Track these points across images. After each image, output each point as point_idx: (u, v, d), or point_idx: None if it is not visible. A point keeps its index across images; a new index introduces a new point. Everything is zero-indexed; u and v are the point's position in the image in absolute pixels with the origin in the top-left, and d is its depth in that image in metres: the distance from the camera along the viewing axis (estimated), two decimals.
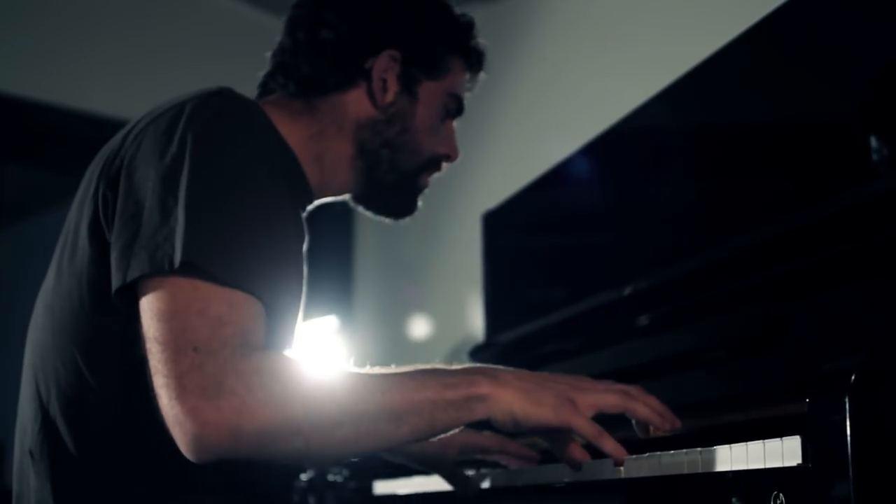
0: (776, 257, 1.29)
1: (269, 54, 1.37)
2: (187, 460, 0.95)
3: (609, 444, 1.03)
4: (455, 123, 1.43)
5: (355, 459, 1.61)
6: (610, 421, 1.05)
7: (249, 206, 1.03)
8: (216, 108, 1.08)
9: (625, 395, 1.06)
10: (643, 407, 1.05)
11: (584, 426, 1.02)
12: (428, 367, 1.07)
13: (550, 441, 1.07)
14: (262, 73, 1.37)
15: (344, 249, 3.54)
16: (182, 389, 0.92)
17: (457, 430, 1.04)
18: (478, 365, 1.09)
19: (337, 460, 1.50)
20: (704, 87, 1.58)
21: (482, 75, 1.44)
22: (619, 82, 2.35)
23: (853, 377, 0.83)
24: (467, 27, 1.40)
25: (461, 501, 1.48)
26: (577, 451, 1.05)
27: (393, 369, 1.06)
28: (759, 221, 1.39)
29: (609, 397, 1.05)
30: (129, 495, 1.08)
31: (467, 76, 1.41)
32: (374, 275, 3.52)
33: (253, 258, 1.00)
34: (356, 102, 1.32)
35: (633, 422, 1.06)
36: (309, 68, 1.32)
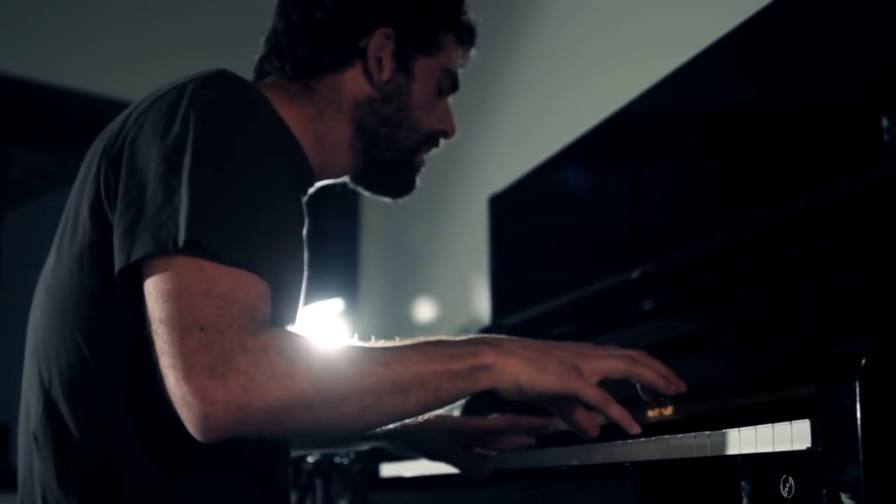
0: (786, 240, 1.28)
1: (262, 39, 1.37)
2: (191, 442, 0.95)
3: (615, 410, 1.03)
4: (451, 100, 1.43)
5: (365, 447, 1.61)
6: (620, 401, 1.05)
7: (252, 185, 1.03)
8: (217, 88, 1.08)
9: (629, 359, 1.06)
10: (648, 371, 1.05)
11: (590, 392, 1.03)
12: (432, 338, 1.07)
13: (556, 408, 1.07)
14: (256, 58, 1.37)
15: (350, 232, 3.54)
16: (190, 369, 0.92)
17: (462, 400, 1.05)
18: (482, 335, 1.09)
19: (346, 435, 1.50)
20: (715, 69, 1.57)
21: (474, 51, 1.44)
22: (627, 65, 2.34)
23: (864, 361, 0.83)
24: (458, 2, 1.40)
25: (466, 483, 1.48)
26: (583, 417, 1.05)
27: (398, 342, 1.06)
28: (767, 204, 1.38)
29: (614, 363, 1.05)
30: (133, 477, 1.08)
31: (460, 52, 1.41)
32: (379, 258, 3.52)
33: (257, 237, 1.00)
34: (353, 82, 1.32)
35: (639, 386, 1.07)
36: (304, 50, 1.32)
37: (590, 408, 1.05)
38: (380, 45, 1.32)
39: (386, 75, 1.33)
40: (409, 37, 1.33)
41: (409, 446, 1.47)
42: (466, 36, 1.41)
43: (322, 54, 1.32)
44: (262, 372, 0.93)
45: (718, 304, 1.32)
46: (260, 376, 0.93)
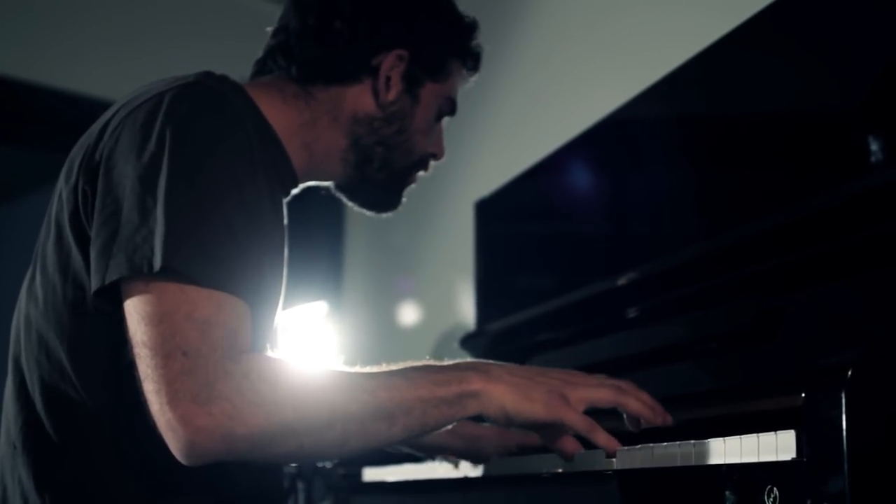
0: (772, 250, 1.29)
1: (269, 29, 1.34)
2: (171, 459, 0.94)
3: (602, 438, 1.02)
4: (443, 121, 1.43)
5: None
6: (602, 412, 1.05)
7: (229, 204, 1.01)
8: (193, 101, 1.06)
9: (616, 389, 1.05)
10: (635, 401, 1.05)
11: (576, 420, 1.02)
12: (419, 363, 1.06)
13: (543, 435, 1.07)
14: (261, 51, 1.34)
15: (334, 235, 3.53)
16: (173, 395, 0.91)
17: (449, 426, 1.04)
18: (469, 360, 1.08)
19: (332, 459, 1.49)
20: (700, 78, 1.57)
21: (474, 77, 1.43)
22: (613, 72, 2.34)
23: (849, 372, 0.83)
24: (470, 29, 1.39)
25: (449, 488, 1.48)
26: (569, 444, 1.05)
27: (384, 367, 1.05)
28: (754, 214, 1.38)
29: (600, 392, 1.05)
30: (112, 490, 1.07)
31: (463, 75, 1.41)
32: (364, 261, 3.52)
33: (235, 258, 0.99)
34: (356, 97, 1.30)
35: (625, 416, 1.06)
36: (315, 55, 1.29)
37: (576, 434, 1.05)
38: (392, 65, 1.30)
39: (392, 96, 1.31)
40: (421, 61, 1.32)
41: (412, 447, 1.47)
42: (472, 64, 1.40)
43: (333, 63, 1.29)
44: (245, 399, 0.92)
45: (704, 313, 1.33)
46: (243, 403, 0.92)
